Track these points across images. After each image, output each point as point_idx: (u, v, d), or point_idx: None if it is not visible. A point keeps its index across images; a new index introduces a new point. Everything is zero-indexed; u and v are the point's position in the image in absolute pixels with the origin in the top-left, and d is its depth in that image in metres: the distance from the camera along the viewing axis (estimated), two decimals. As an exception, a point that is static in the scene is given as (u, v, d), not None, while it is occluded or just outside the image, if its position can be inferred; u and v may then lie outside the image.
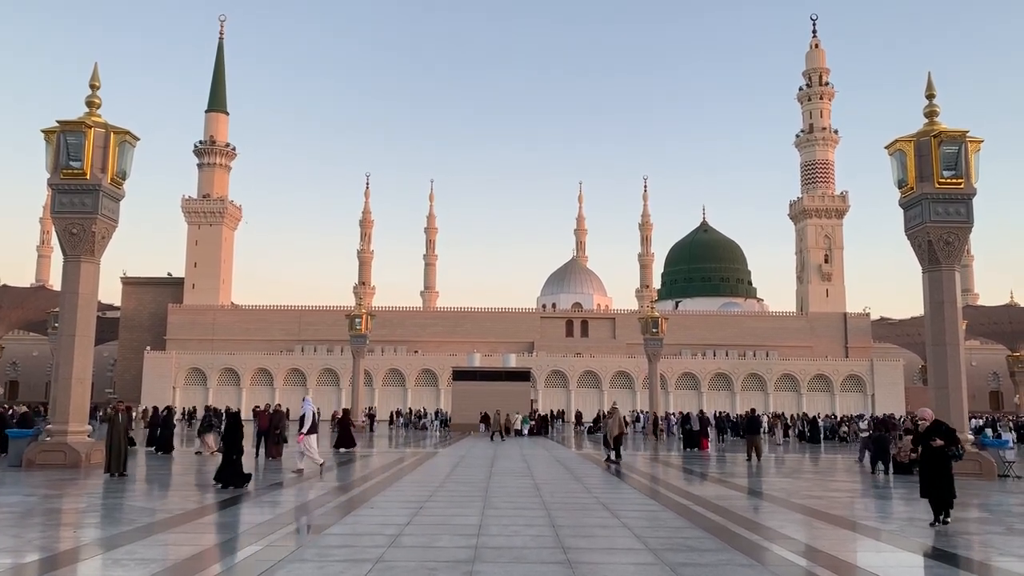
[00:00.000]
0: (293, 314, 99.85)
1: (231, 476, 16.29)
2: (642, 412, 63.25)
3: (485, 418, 53.02)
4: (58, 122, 22.05)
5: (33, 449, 21.02)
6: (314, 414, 21.77)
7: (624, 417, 58.52)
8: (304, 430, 20.85)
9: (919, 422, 12.97)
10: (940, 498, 12.11)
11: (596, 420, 58.72)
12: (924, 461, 12.49)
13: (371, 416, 57.23)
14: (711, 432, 42.56)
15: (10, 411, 34.29)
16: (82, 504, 14.14)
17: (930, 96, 23.35)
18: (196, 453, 26.99)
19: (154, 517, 12.50)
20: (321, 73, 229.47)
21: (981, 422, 41.67)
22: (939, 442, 12.22)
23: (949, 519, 12.14)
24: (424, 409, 73.30)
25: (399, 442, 40.46)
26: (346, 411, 34.35)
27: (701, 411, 44.09)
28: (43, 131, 22.14)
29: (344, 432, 30.97)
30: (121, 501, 14.49)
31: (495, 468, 23.04)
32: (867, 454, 27.32)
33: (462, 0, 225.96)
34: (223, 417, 22.13)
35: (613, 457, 25.67)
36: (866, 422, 35.95)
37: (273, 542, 10.05)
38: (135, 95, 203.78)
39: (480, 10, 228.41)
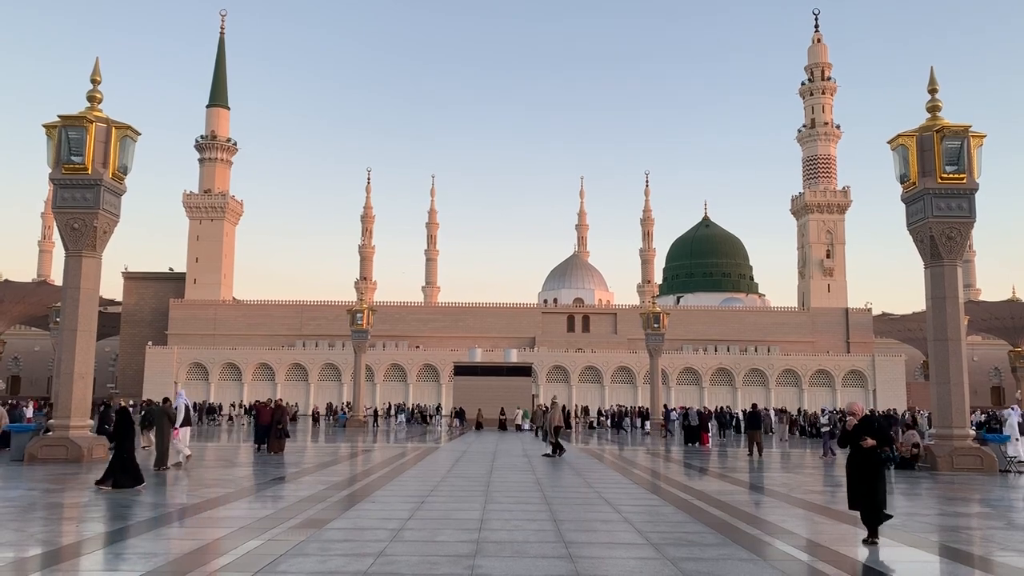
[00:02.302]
0: (294, 309, 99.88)
1: (123, 476, 15.10)
2: (643, 408, 63.36)
3: (460, 413, 53.22)
4: (59, 117, 22.02)
5: (35, 444, 21.05)
6: (187, 407, 21.60)
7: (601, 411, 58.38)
8: (178, 424, 20.61)
9: (848, 418, 10.85)
10: (871, 509, 10.21)
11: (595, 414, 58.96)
12: (852, 465, 10.55)
13: (376, 412, 57.49)
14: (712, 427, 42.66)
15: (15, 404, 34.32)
16: (84, 499, 14.15)
17: (932, 91, 23.31)
18: (143, 447, 25.77)
19: (155, 511, 12.53)
20: (322, 68, 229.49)
21: (982, 418, 41.66)
22: (870, 442, 10.23)
23: (878, 539, 10.09)
24: (402, 403, 73.15)
25: (387, 440, 40.46)
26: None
27: (668, 406, 44.24)
28: (44, 126, 22.12)
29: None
30: (122, 496, 14.50)
31: (496, 463, 23.06)
32: (829, 450, 27.11)
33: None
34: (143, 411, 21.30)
35: (553, 452, 25.57)
36: (827, 416, 35.58)
37: (275, 536, 10.06)
38: (136, 90, 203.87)
39: (482, 5, 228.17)
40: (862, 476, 10.29)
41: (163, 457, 19.41)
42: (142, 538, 10.01)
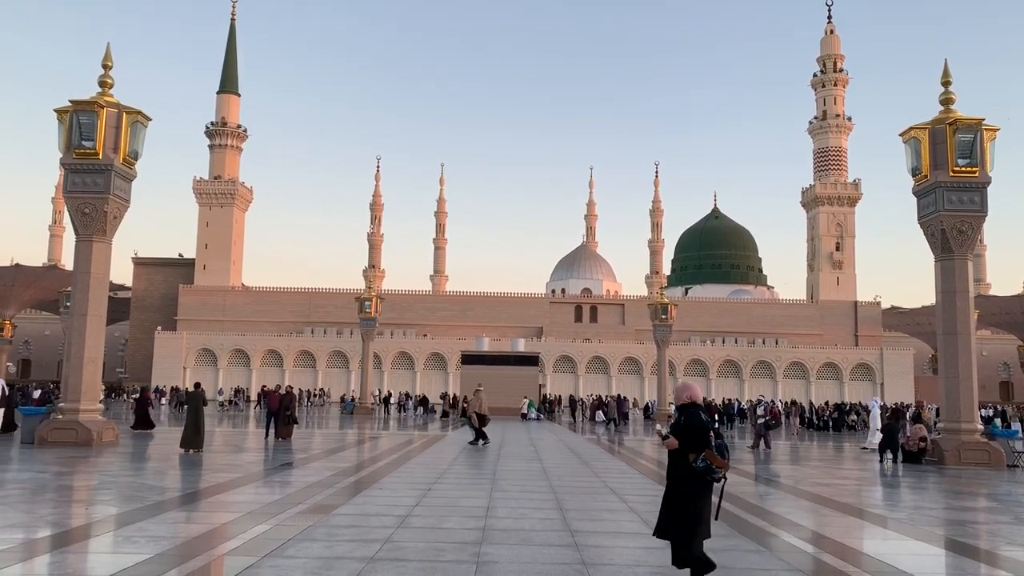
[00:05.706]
0: (303, 296, 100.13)
1: None
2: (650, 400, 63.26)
3: (423, 401, 52.67)
4: (71, 102, 22.06)
5: (45, 427, 21.20)
6: (2, 389, 21.64)
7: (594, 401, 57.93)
8: None
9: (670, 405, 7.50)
10: (678, 543, 6.93)
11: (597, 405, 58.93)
12: (668, 476, 7.15)
13: (386, 400, 57.52)
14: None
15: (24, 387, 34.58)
16: (93, 481, 14.27)
17: (946, 83, 23.12)
18: None
19: (164, 495, 12.61)
20: (333, 55, 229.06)
21: (990, 412, 41.57)
22: (673, 442, 6.90)
23: None
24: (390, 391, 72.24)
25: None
26: (143, 389, 33.33)
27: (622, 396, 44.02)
28: (56, 111, 22.16)
29: (141, 412, 28.83)
30: (131, 479, 14.62)
31: (503, 452, 23.13)
32: (762, 442, 26.31)
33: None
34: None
35: (476, 440, 25.42)
36: (763, 407, 34.56)
37: (283, 521, 10.12)
38: (147, 76, 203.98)
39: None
40: (671, 494, 7.05)
41: (194, 438, 20.29)
42: (151, 521, 10.08)
